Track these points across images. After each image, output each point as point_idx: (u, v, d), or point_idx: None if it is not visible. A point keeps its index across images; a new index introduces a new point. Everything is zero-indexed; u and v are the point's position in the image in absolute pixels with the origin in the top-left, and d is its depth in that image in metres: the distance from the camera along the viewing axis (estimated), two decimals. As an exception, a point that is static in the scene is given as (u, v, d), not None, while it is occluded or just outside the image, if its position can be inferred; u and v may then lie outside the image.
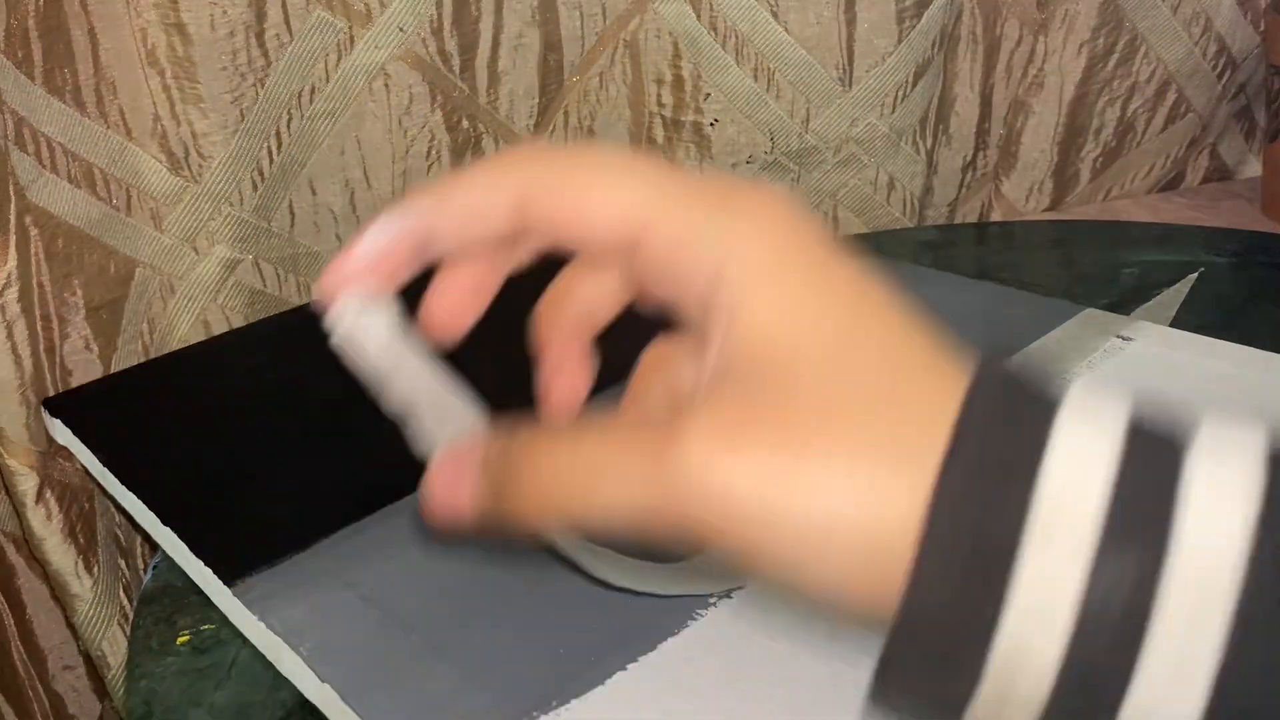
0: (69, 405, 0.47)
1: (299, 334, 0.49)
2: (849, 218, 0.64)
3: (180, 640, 0.37)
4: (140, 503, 0.40)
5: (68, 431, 0.45)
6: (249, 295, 0.60)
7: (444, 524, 0.23)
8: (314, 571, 0.36)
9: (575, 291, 0.26)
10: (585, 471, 0.21)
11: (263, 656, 0.36)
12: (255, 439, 0.44)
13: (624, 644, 0.32)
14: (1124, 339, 0.45)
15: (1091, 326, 0.46)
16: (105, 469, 0.43)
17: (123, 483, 0.41)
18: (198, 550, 0.38)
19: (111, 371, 0.53)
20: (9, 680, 0.57)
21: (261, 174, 0.56)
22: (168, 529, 0.39)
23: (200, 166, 0.55)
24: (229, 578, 0.36)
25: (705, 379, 0.21)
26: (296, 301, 0.61)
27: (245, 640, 0.36)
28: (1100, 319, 0.46)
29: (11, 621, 0.57)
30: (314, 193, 0.57)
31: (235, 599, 0.36)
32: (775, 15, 0.57)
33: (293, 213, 0.58)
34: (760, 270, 0.21)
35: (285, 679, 0.35)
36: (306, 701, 0.34)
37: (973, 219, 0.69)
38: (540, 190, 0.23)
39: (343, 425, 0.43)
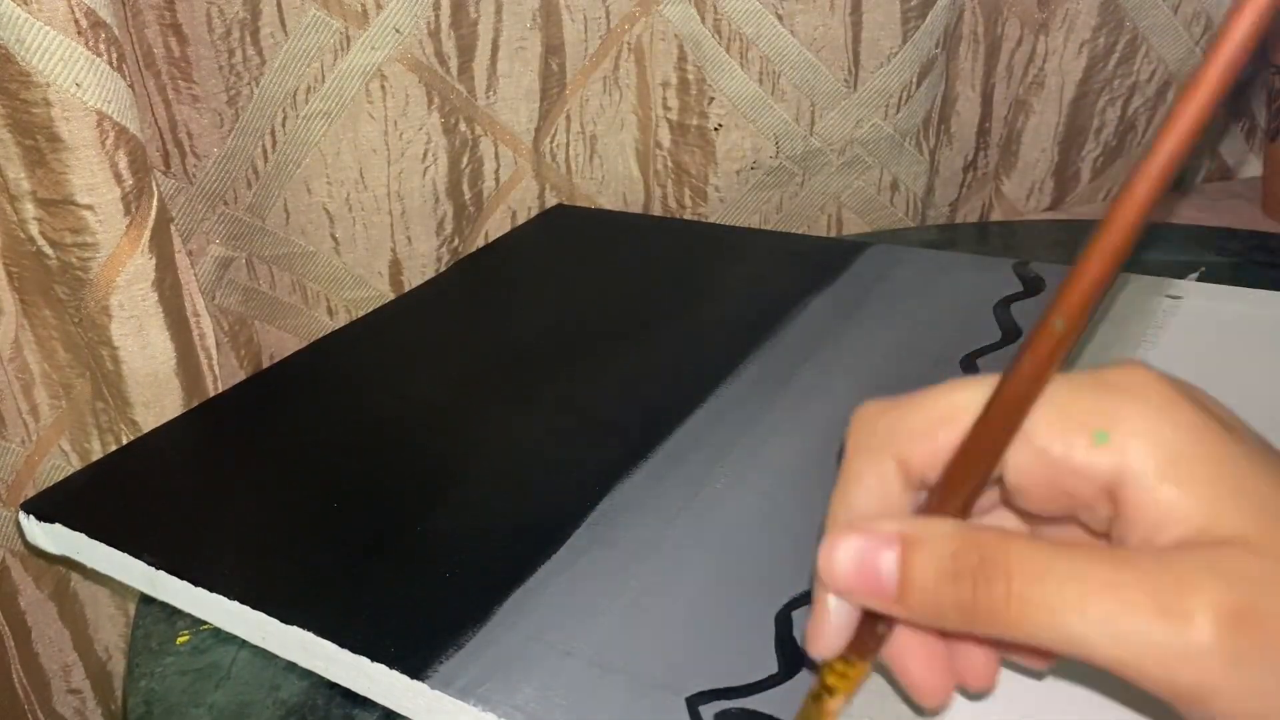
0: (68, 505, 0.39)
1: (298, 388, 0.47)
2: (852, 219, 0.63)
3: (180, 640, 0.36)
4: (240, 606, 0.34)
5: (80, 537, 0.38)
6: (243, 293, 0.59)
7: (855, 598, 0.23)
8: (512, 644, 0.31)
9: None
10: (1087, 596, 0.20)
11: (262, 656, 0.35)
12: (325, 500, 0.38)
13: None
14: (1173, 298, 0.45)
15: (1138, 290, 0.46)
16: (174, 577, 0.35)
17: (204, 587, 0.35)
18: (358, 646, 0.32)
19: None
20: (5, 708, 0.56)
21: (256, 172, 0.56)
22: (295, 628, 0.33)
23: (195, 166, 0.55)
24: (416, 670, 0.31)
25: (1153, 552, 0.21)
26: (290, 300, 0.60)
27: (244, 641, 0.35)
28: (1141, 282, 0.46)
29: (13, 644, 0.56)
30: (309, 192, 0.57)
31: (437, 693, 0.30)
32: (780, 18, 0.57)
33: (287, 211, 0.57)
34: (1168, 461, 0.21)
35: (285, 679, 0.34)
36: (307, 702, 0.33)
37: (973, 219, 0.69)
38: (912, 446, 0.23)
39: (453, 470, 0.39)
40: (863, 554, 0.22)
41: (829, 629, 0.24)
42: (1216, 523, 0.21)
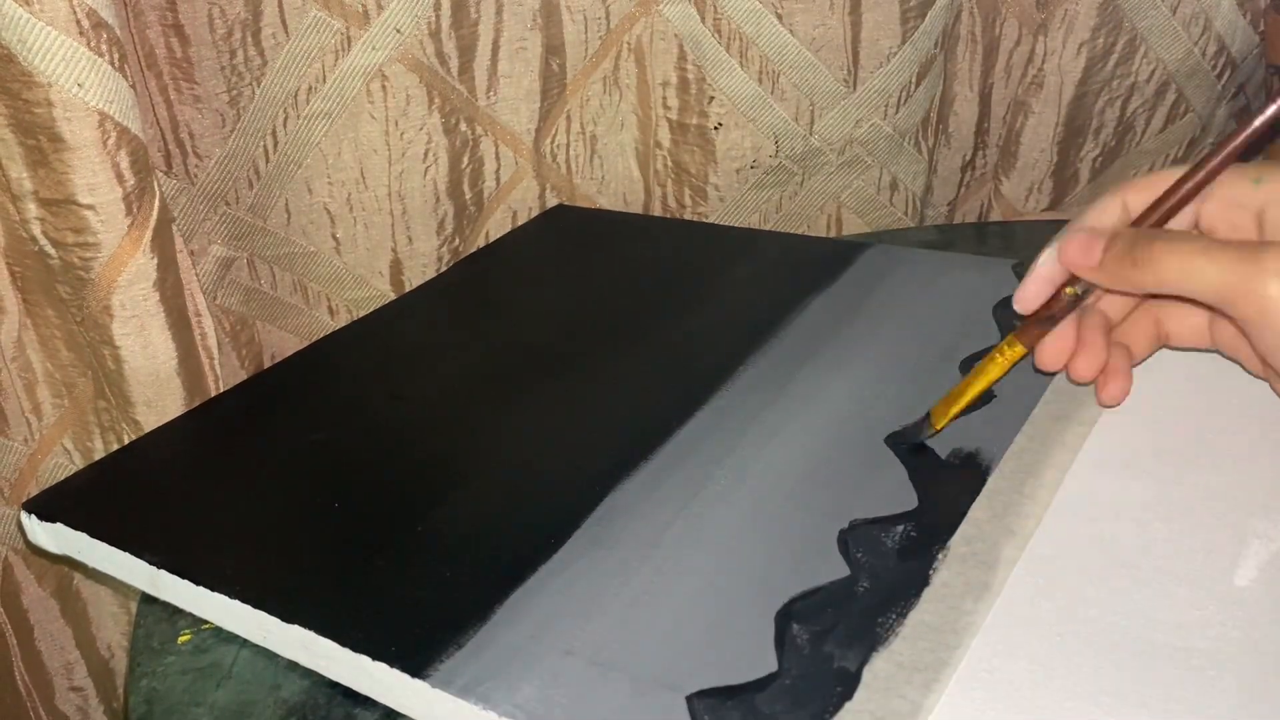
0: (70, 504, 0.39)
1: (302, 387, 0.47)
2: (851, 219, 0.63)
3: (181, 639, 0.36)
4: (241, 605, 0.34)
5: (81, 536, 0.38)
6: (244, 293, 0.59)
7: (1073, 267, 0.36)
8: (513, 643, 0.31)
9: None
10: (1193, 253, 0.33)
11: (264, 655, 0.35)
12: (326, 500, 0.38)
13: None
14: None
15: None
16: (176, 576, 0.35)
17: (205, 586, 0.35)
18: (359, 645, 0.32)
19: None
20: (7, 706, 0.57)
21: (258, 173, 0.56)
22: (296, 627, 0.33)
23: (197, 167, 0.55)
24: (416, 669, 0.31)
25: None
26: (291, 300, 0.60)
27: (245, 640, 0.35)
28: None
29: (15, 642, 0.56)
30: (310, 192, 0.57)
31: (437, 692, 0.30)
32: (780, 18, 0.57)
33: (288, 211, 0.57)
34: None
35: (286, 678, 0.34)
36: (308, 701, 0.33)
37: (972, 219, 0.69)
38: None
39: (455, 474, 0.39)
40: (1087, 238, 0.35)
41: (1033, 287, 0.37)
42: None
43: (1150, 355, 0.40)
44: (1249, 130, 0.33)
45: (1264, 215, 0.34)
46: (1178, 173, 0.35)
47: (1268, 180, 0.35)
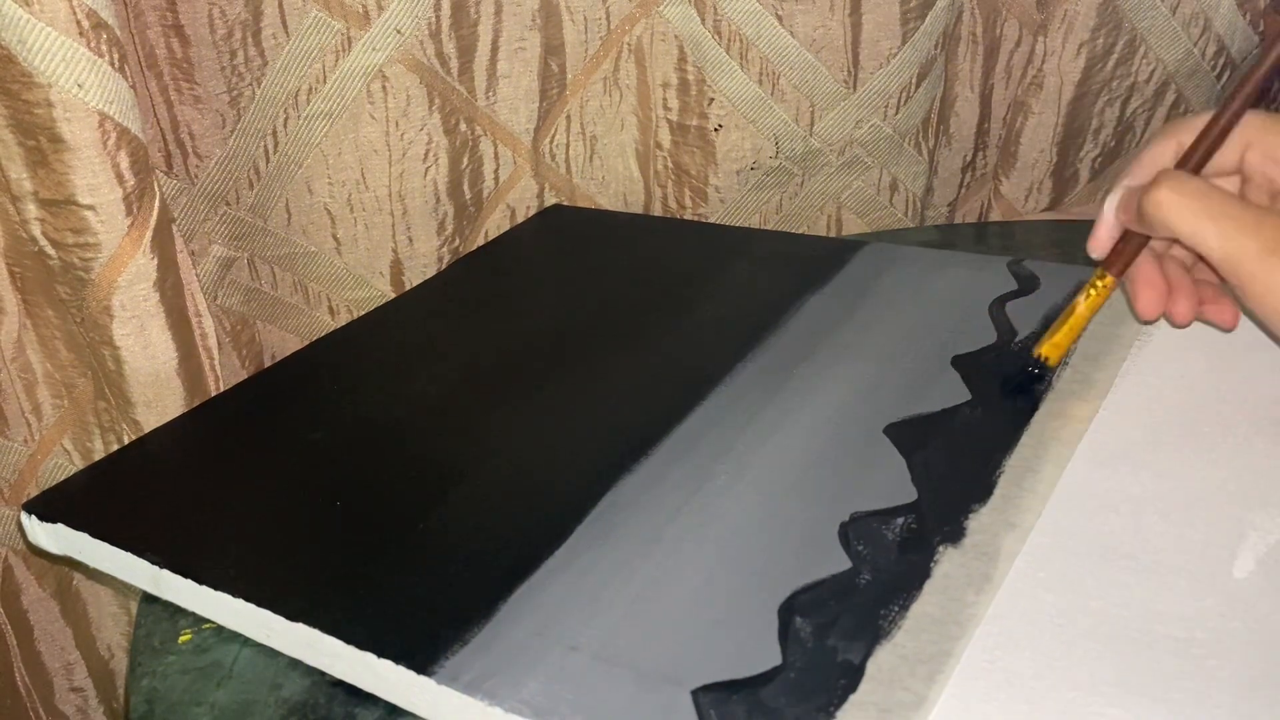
0: (70, 505, 0.39)
1: (300, 386, 0.47)
2: (851, 219, 0.63)
3: (182, 639, 0.36)
4: (246, 604, 0.34)
5: (82, 536, 0.38)
6: (244, 293, 0.59)
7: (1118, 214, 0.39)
8: (517, 639, 0.31)
9: None
10: (1198, 214, 0.34)
11: (264, 654, 0.35)
12: (328, 499, 0.38)
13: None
14: None
15: None
16: (179, 576, 0.35)
17: (209, 586, 0.35)
18: (364, 643, 0.32)
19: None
20: (7, 706, 0.56)
21: (258, 173, 0.56)
22: (302, 626, 0.33)
23: (197, 167, 0.55)
24: (422, 665, 0.31)
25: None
26: (292, 300, 0.60)
27: (246, 639, 0.35)
28: None
29: (15, 642, 0.56)
30: (310, 192, 0.57)
31: (443, 688, 0.30)
32: (780, 19, 0.57)
33: (289, 212, 0.57)
34: None
35: (286, 677, 0.34)
36: (309, 700, 0.33)
37: (972, 219, 0.69)
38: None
39: (458, 471, 0.39)
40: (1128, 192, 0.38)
41: (1103, 232, 0.39)
42: None
43: None
44: (1260, 72, 0.36)
45: None
46: (1208, 116, 0.37)
47: None
